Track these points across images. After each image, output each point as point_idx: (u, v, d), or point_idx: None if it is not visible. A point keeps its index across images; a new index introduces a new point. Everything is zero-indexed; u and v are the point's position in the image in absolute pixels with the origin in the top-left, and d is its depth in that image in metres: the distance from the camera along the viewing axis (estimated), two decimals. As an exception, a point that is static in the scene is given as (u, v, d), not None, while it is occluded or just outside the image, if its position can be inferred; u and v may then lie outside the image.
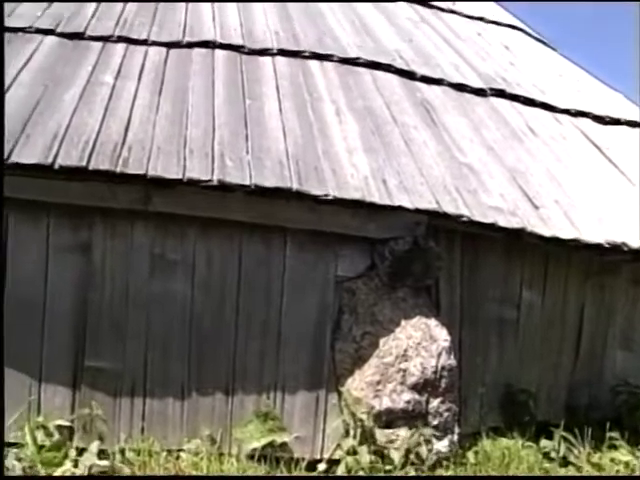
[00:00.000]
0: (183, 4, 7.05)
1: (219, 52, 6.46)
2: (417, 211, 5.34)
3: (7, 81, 5.60)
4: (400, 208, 5.29)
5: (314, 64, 6.60)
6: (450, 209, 5.41)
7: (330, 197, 5.17)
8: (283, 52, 6.62)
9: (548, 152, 6.62)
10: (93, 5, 6.76)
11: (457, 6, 8.61)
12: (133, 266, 5.27)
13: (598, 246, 5.76)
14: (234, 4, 7.22)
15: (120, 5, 6.84)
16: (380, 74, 6.72)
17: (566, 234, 5.68)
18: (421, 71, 6.94)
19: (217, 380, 5.33)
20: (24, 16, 6.42)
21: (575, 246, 5.76)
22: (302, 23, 7.15)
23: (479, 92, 7.05)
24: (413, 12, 8.11)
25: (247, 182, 5.09)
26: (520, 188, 5.95)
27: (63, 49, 6.15)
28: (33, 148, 5.02)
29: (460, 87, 6.99)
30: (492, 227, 5.51)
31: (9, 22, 6.31)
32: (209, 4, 7.14)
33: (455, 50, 7.64)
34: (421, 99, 6.60)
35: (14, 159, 4.92)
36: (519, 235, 5.62)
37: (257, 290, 5.39)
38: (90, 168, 4.96)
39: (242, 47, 6.57)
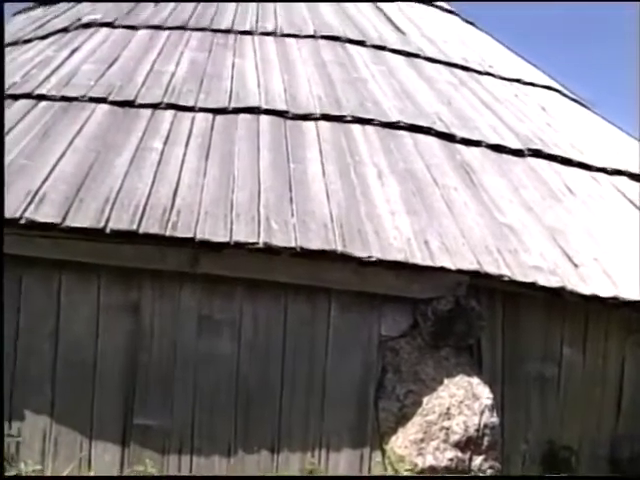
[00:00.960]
0: (229, 72, 7.24)
1: (264, 117, 6.60)
2: (459, 272, 5.41)
3: (62, 147, 5.84)
4: (442, 269, 5.37)
5: (356, 128, 6.70)
6: (491, 269, 5.48)
7: (374, 259, 5.26)
8: (326, 117, 6.74)
9: (586, 210, 6.67)
10: (143, 74, 6.98)
11: (493, 68, 8.72)
12: (181, 326, 5.39)
13: (637, 303, 5.79)
14: (278, 72, 7.40)
15: (168, 74, 7.05)
16: (420, 137, 6.81)
17: (606, 292, 5.72)
18: (460, 133, 7.02)
19: (263, 438, 5.40)
20: (78, 85, 6.67)
21: (615, 304, 5.80)
22: (344, 88, 7.25)
23: (517, 153, 7.10)
24: (451, 75, 8.23)
25: (292, 244, 5.21)
26: (559, 247, 6.01)
27: (114, 117, 6.35)
28: (86, 212, 5.20)
29: (498, 148, 7.05)
30: (533, 286, 5.58)
31: (65, 92, 6.59)
32: (254, 71, 7.32)
33: (493, 112, 7.72)
34: (461, 161, 6.68)
35: (68, 223, 5.10)
36: (559, 294, 5.67)
37: (302, 350, 5.47)
38: (140, 232, 5.12)
39: (286, 112, 6.70)
